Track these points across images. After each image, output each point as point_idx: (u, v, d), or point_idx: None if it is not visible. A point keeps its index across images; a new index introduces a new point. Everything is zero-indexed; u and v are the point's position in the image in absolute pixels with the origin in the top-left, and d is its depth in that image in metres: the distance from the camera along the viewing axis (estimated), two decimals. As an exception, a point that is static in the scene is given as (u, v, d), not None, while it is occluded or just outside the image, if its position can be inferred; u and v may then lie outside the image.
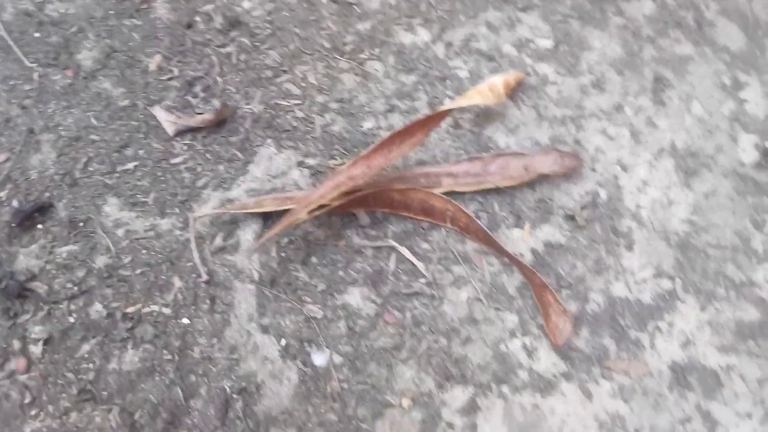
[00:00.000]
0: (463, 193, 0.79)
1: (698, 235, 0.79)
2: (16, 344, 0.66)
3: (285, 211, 0.73)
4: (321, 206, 0.72)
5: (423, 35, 0.92)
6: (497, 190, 0.80)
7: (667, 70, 0.91)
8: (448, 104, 0.82)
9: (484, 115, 0.85)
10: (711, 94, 0.89)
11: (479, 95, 0.81)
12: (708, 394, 0.70)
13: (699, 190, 0.82)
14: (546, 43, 0.92)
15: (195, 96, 0.84)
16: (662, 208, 0.81)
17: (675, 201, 0.81)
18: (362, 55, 0.89)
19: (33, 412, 0.64)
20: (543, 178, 0.81)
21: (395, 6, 0.94)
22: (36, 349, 0.66)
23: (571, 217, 0.79)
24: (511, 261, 0.75)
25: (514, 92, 0.87)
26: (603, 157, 0.84)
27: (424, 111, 0.85)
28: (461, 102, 0.80)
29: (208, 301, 0.70)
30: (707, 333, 0.74)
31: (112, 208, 0.75)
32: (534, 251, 0.77)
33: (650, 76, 0.90)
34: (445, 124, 0.84)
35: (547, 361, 0.71)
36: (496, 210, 0.79)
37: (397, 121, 0.84)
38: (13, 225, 0.71)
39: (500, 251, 0.75)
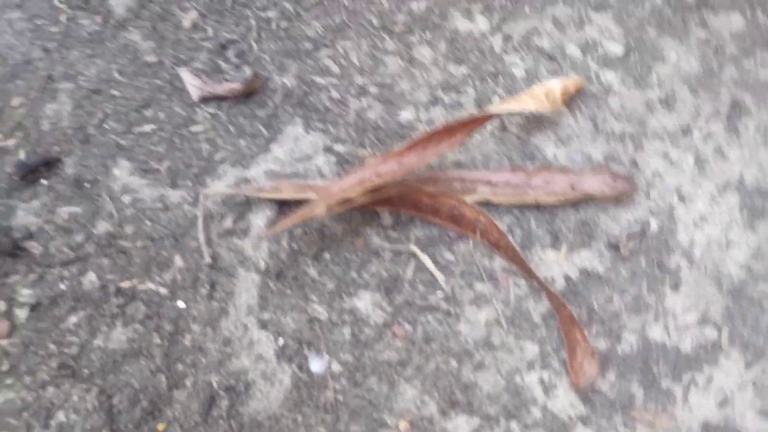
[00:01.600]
0: (498, 204, 0.72)
1: (755, 284, 0.71)
2: (2, 305, 0.63)
3: (302, 200, 0.67)
4: (342, 202, 0.66)
5: (481, 24, 0.84)
6: (537, 206, 0.72)
7: (747, 95, 0.81)
8: (497, 108, 0.75)
9: (535, 121, 0.78)
10: (793, 128, 0.80)
11: (533, 101, 0.73)
12: (739, 464, 0.63)
13: (764, 233, 0.74)
14: (616, 49, 0.83)
15: (227, 61, 0.78)
16: (719, 249, 0.73)
17: (734, 242, 0.73)
18: (412, 38, 0.82)
19: (8, 381, 0.60)
20: (589, 199, 0.73)
21: (455, -13, 0.87)
22: (21, 314, 0.63)
23: (614, 246, 0.71)
24: (540, 287, 0.68)
25: (572, 100, 0.79)
26: (660, 182, 0.76)
27: (470, 107, 0.78)
28: (512, 106, 0.73)
29: (207, 286, 0.65)
30: (749, 393, 0.66)
31: (122, 171, 0.71)
32: (567, 278, 0.70)
33: (727, 100, 0.81)
34: (491, 125, 0.77)
35: (564, 401, 0.64)
36: (532, 227, 0.72)
37: (439, 115, 0.77)
38: (15, 177, 0.67)
39: (529, 274, 0.68)
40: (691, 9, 0.88)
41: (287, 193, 0.69)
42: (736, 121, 0.80)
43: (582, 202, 0.73)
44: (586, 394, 0.65)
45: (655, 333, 0.68)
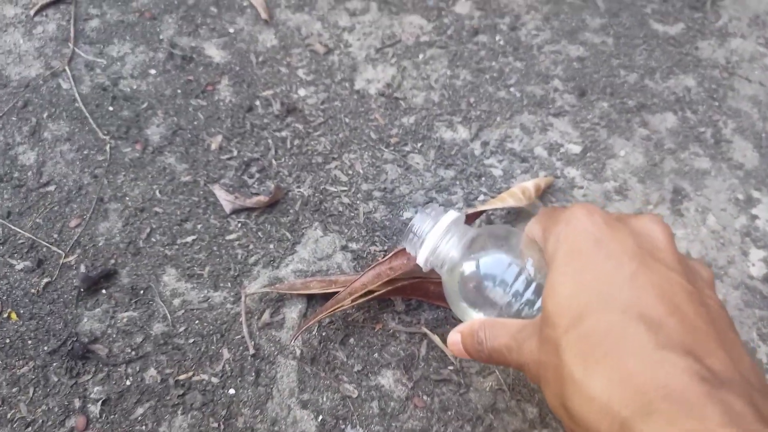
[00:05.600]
0: (492, 287, 0.85)
1: (708, 342, 0.85)
2: (77, 403, 0.72)
3: (329, 294, 0.79)
4: (363, 294, 0.78)
5: (462, 133, 1.00)
6: (524, 286, 0.86)
7: (686, 182, 0.98)
8: (483, 205, 0.89)
9: (515, 213, 0.92)
10: (725, 208, 0.96)
11: (512, 198, 0.88)
12: None
13: (711, 298, 0.88)
14: (575, 149, 1.00)
15: (251, 176, 0.91)
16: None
17: (688, 308, 0.87)
18: (406, 148, 0.97)
19: (89, 469, 0.69)
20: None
21: (438, 103, 1.03)
22: (95, 409, 0.72)
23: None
24: (534, 356, 0.81)
25: (544, 194, 0.94)
26: (622, 260, 0.90)
27: (460, 205, 0.92)
28: (496, 204, 0.87)
29: (253, 374, 0.76)
30: None
31: (170, 278, 0.82)
32: (555, 347, 0.82)
33: (670, 187, 0.98)
34: (479, 219, 0.91)
35: (562, 454, 0.76)
36: (521, 305, 0.85)
37: (434, 213, 0.91)
38: (81, 290, 0.78)
39: (524, 345, 0.81)
40: (633, 111, 1.06)
41: (316, 289, 0.81)
42: (679, 205, 0.96)
43: (560, 281, 0.87)
44: (580, 445, 0.76)
45: (632, 389, 0.81)
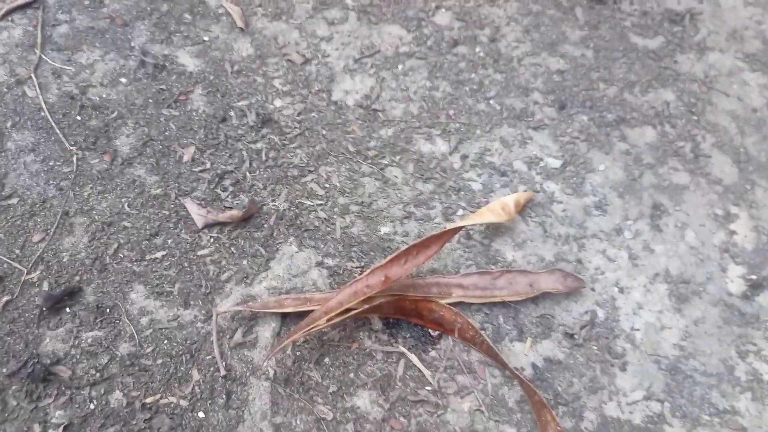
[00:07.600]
0: (470, 304, 0.84)
1: (687, 361, 0.84)
2: (37, 428, 0.69)
3: (304, 312, 0.77)
4: (339, 313, 0.76)
5: (441, 146, 0.98)
6: (503, 303, 0.84)
7: (665, 197, 0.98)
8: (462, 221, 0.88)
9: (494, 229, 0.91)
10: (704, 224, 0.96)
11: (491, 214, 0.87)
12: None
13: (689, 316, 0.88)
14: (554, 163, 0.99)
15: (224, 189, 0.89)
16: (655, 332, 0.86)
17: (667, 326, 0.87)
18: (384, 161, 0.95)
19: (49, 499, 0.66)
20: (546, 295, 0.86)
21: (416, 115, 1.01)
22: (56, 435, 0.69)
23: (570, 335, 0.84)
24: (513, 376, 0.79)
25: (523, 209, 0.93)
26: (602, 277, 0.89)
27: (439, 220, 0.90)
28: (475, 219, 0.86)
29: (224, 396, 0.73)
30: (692, 458, 0.78)
31: (138, 295, 0.79)
32: (534, 366, 0.81)
33: (649, 202, 0.97)
34: (458, 235, 0.89)
35: (541, 477, 0.74)
36: (500, 322, 0.83)
37: (413, 228, 0.89)
38: (44, 308, 0.74)
39: (503, 365, 0.79)
40: (612, 125, 1.05)
41: (290, 307, 0.78)
42: (657, 220, 0.96)
43: (540, 298, 0.85)
44: (559, 468, 0.75)
45: (611, 410, 0.80)
